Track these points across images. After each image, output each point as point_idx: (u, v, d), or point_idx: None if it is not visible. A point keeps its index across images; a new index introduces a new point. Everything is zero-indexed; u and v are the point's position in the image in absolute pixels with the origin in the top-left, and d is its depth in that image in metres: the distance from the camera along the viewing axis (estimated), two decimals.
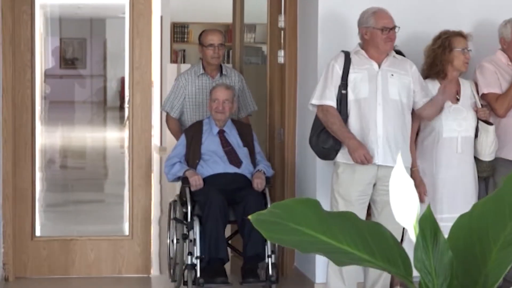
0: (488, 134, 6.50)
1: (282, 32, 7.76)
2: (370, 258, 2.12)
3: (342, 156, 6.42)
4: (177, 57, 17.75)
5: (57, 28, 18.72)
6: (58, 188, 12.42)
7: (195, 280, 6.55)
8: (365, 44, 6.45)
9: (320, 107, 6.41)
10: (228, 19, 17.26)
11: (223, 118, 7.05)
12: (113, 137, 19.77)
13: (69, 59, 24.57)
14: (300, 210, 2.20)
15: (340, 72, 6.39)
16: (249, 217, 2.27)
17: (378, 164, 6.31)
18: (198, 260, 6.53)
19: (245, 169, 7.11)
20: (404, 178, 2.11)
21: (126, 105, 19.79)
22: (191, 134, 7.06)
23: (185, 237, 6.76)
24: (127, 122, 19.71)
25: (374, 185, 6.44)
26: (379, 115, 6.29)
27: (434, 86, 6.57)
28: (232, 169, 7.06)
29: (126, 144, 18.60)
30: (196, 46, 18.28)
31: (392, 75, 6.33)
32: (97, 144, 18.27)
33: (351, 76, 6.38)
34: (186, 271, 6.74)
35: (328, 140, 6.40)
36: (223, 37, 7.36)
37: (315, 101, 6.46)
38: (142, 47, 7.77)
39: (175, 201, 7.24)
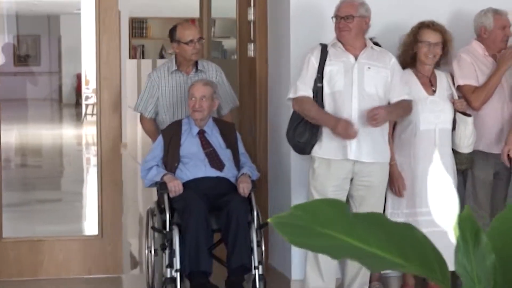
0: (467, 126, 6.40)
1: (252, 25, 7.62)
2: (404, 263, 1.96)
3: (317, 151, 6.32)
4: (136, 52, 17.60)
5: (14, 25, 18.54)
6: (17, 187, 12.17)
7: None
8: (340, 35, 6.31)
9: (295, 99, 6.28)
10: (186, 14, 17.66)
11: (201, 117, 6.48)
12: (70, 134, 19.75)
13: (22, 56, 24.50)
14: (325, 212, 2.03)
15: (316, 65, 6.27)
16: (269, 220, 2.12)
17: (353, 159, 6.20)
18: (178, 273, 6.05)
19: (228, 172, 6.59)
20: (443, 177, 1.96)
21: (83, 101, 20.36)
22: (169, 135, 6.51)
23: (163, 247, 6.27)
24: (87, 118, 19.96)
25: (352, 180, 6.32)
26: (354, 109, 6.17)
27: (408, 75, 6.49)
28: (214, 172, 6.52)
29: (84, 141, 19.05)
30: (155, 41, 19.05)
31: (369, 68, 6.21)
32: (54, 142, 17.97)
33: (327, 69, 6.26)
34: (165, 285, 6.24)
35: (304, 134, 6.28)
36: (200, 29, 7.05)
37: (291, 95, 6.32)
38: (110, 43, 7.56)
39: (152, 208, 6.75)
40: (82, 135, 19.93)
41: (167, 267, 6.17)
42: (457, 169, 6.59)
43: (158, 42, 18.84)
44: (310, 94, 6.22)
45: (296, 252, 7.06)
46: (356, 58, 6.25)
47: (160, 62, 13.73)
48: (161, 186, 6.36)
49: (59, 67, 25.65)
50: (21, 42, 23.67)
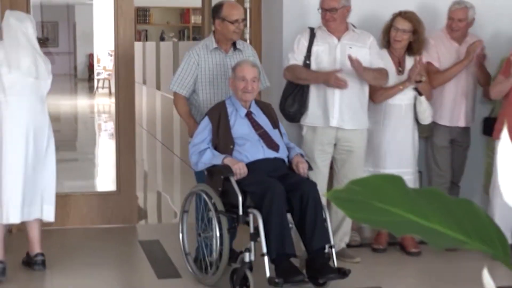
0: (421, 103, 6.19)
1: (248, 11, 7.24)
2: (466, 239, 1.61)
3: (305, 119, 6.07)
4: (140, 36, 17.39)
5: (38, 13, 18.18)
6: None
7: (270, 280, 4.85)
8: (322, 22, 6.06)
9: (287, 68, 6.02)
10: (186, 4, 17.41)
11: (252, 98, 5.58)
12: (84, 104, 19.68)
13: (41, 39, 24.38)
14: (383, 187, 1.66)
15: (306, 44, 6.00)
16: (326, 194, 1.75)
17: (336, 126, 5.94)
18: (266, 257, 4.92)
19: (283, 153, 5.56)
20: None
21: (95, 76, 20.33)
22: (216, 117, 5.37)
23: (233, 230, 5.33)
24: (98, 90, 19.85)
25: (335, 145, 6.04)
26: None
27: (384, 55, 6.23)
28: (271, 153, 5.44)
29: (96, 109, 18.81)
30: (156, 27, 18.72)
31: (351, 47, 5.92)
32: (70, 110, 17.74)
33: (314, 49, 6.00)
34: (243, 269, 5.06)
35: (293, 105, 6.04)
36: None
37: (284, 66, 6.12)
38: (126, 27, 7.15)
39: (197, 192, 5.54)
40: (94, 105, 19.74)
41: (245, 251, 5.08)
42: (420, 137, 6.41)
43: (159, 28, 18.67)
44: (300, 63, 5.97)
45: None
46: (339, 39, 6.00)
47: (162, 44, 13.54)
48: (226, 170, 5.19)
49: (74, 48, 25.61)
50: (43, 28, 23.36)
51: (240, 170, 5.20)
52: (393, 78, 6.09)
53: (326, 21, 5.95)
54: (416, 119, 6.27)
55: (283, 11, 6.66)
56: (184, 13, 18.68)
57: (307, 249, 5.18)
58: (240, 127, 5.50)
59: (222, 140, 5.44)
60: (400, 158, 6.11)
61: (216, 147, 5.42)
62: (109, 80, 18.58)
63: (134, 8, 7.30)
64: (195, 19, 18.27)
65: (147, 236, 6.98)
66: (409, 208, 1.65)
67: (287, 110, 6.06)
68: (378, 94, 6.13)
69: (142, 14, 17.83)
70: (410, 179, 6.09)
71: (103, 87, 20.20)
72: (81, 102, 20.19)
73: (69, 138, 14.23)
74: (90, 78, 22.96)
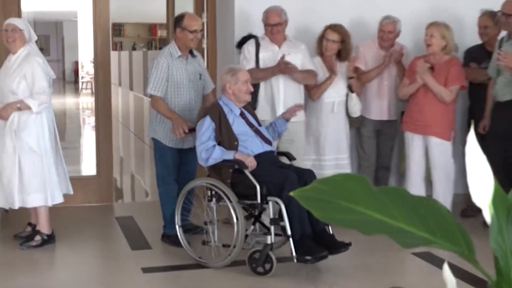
0: (351, 99, 5.92)
1: (205, 24, 6.86)
2: (431, 237, 1.32)
3: (256, 114, 5.60)
4: (116, 46, 17.10)
5: (33, 28, 17.69)
6: None
7: (300, 258, 4.50)
8: (266, 33, 5.79)
9: None
10: (154, 20, 17.18)
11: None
12: (71, 102, 19.81)
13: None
14: (349, 186, 1.36)
15: (254, 52, 5.72)
16: (292, 193, 1.43)
17: None
18: (291, 239, 4.50)
19: (273, 146, 5.21)
20: (478, 156, 1.32)
21: (80, 80, 20.25)
22: (216, 116, 4.86)
23: (252, 216, 4.89)
24: (82, 91, 19.65)
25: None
26: (281, 83, 5.66)
27: (318, 62, 5.92)
28: (268, 147, 5.03)
29: (80, 106, 18.50)
30: (129, 39, 18.50)
31: (289, 54, 5.60)
32: (60, 107, 17.33)
33: (261, 55, 5.73)
34: (265, 251, 4.62)
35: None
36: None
37: None
38: (103, 39, 6.82)
39: (208, 186, 4.91)
40: (79, 103, 19.64)
41: (265, 234, 4.66)
42: (351, 128, 6.14)
43: (131, 40, 18.60)
44: (254, 66, 5.68)
45: None
46: (279, 47, 5.73)
47: (134, 53, 13.33)
48: (241, 164, 4.68)
49: (63, 56, 25.54)
50: (37, 40, 23.07)
51: (251, 163, 4.73)
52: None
53: (272, 34, 5.70)
54: (348, 113, 6.00)
55: (235, 24, 6.36)
56: (152, 28, 18.62)
57: (313, 229, 4.73)
58: (238, 125, 5.01)
59: (226, 137, 4.89)
60: (337, 146, 5.84)
61: (219, 144, 4.87)
62: (91, 83, 18.18)
63: (110, 24, 6.96)
64: (161, 32, 17.97)
65: (123, 213, 6.62)
66: (374, 206, 1.35)
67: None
68: (313, 91, 5.84)
69: (117, 29, 17.65)
70: (346, 163, 5.86)
71: (86, 88, 20.08)
72: (68, 101, 19.82)
73: (59, 130, 13.78)
74: (76, 81, 22.84)
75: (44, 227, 5.42)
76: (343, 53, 5.93)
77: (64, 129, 14.14)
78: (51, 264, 5.29)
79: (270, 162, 4.93)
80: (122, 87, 13.46)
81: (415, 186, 5.58)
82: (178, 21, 5.47)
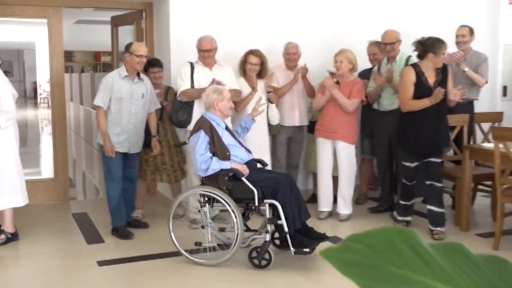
0: (271, 109, 5.43)
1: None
2: None
3: (191, 125, 5.01)
4: (68, 69, 15.96)
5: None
6: None
7: (298, 251, 3.91)
8: (199, 58, 5.18)
9: (182, 93, 5.09)
10: (101, 48, 16.27)
11: None
12: (31, 114, 18.53)
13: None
14: (394, 245, 0.78)
15: (189, 74, 5.11)
16: (319, 253, 0.83)
17: None
18: (288, 236, 3.92)
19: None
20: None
21: (38, 96, 19.14)
22: (208, 130, 4.15)
23: (247, 219, 4.27)
24: (40, 105, 18.61)
25: None
26: None
27: (242, 81, 5.36)
28: (251, 156, 4.37)
29: (39, 117, 17.37)
30: (78, 64, 17.55)
31: (218, 75, 5.06)
32: (22, 118, 16.20)
33: (195, 77, 5.12)
34: (264, 247, 4.01)
35: (184, 115, 5.12)
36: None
37: (179, 92, 5.12)
38: (57, 63, 6.01)
39: (203, 193, 4.12)
40: (38, 114, 18.27)
41: (265, 232, 4.03)
42: (271, 134, 5.60)
43: (80, 64, 17.66)
44: (189, 87, 5.08)
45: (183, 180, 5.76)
46: (211, 70, 5.15)
47: (83, 75, 12.55)
48: (238, 172, 4.05)
49: (24, 77, 24.37)
50: (2, 65, 21.93)
51: (245, 171, 4.09)
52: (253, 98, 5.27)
53: (205, 58, 5.12)
54: (268, 122, 5.48)
55: (170, 52, 5.71)
56: (96, 55, 17.68)
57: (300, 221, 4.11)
58: (226, 138, 4.29)
59: (219, 148, 4.17)
60: (260, 149, 5.26)
61: (213, 154, 4.14)
62: (48, 98, 17.34)
63: (63, 51, 6.14)
64: (104, 58, 17.06)
65: (78, 210, 5.79)
66: (433, 272, 0.77)
67: (179, 119, 5.11)
68: (237, 105, 5.23)
69: (68, 55, 16.61)
70: (268, 164, 5.25)
71: (43, 103, 18.96)
72: (29, 113, 18.52)
73: (21, 137, 12.68)
74: (35, 97, 21.54)
75: (8, 226, 4.73)
76: (262, 73, 5.43)
77: (26, 136, 13.08)
78: (15, 260, 4.42)
79: (255, 169, 4.31)
80: (73, 102, 12.72)
81: (325, 181, 5.21)
82: (127, 47, 4.86)
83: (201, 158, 4.08)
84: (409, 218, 5.00)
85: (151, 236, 4.87)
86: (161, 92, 5.25)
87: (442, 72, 4.65)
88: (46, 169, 8.18)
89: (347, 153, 5.22)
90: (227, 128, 4.39)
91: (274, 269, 4.01)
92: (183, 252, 4.21)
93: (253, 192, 4.00)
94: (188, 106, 5.10)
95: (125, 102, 4.78)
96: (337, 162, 5.28)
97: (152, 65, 5.29)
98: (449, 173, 5.26)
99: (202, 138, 4.13)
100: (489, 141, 5.65)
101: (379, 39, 5.57)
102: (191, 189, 4.33)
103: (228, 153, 4.17)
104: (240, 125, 4.65)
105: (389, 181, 5.60)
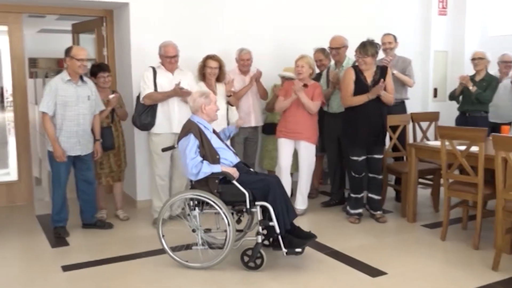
0: (232, 111, 4.97)
1: (106, 58, 5.54)
2: None
3: (155, 128, 4.59)
4: (32, 75, 14.89)
5: None
6: None
7: (290, 251, 3.45)
8: (162, 63, 4.61)
9: (145, 96, 4.51)
10: (58, 55, 15.21)
11: None
12: None
13: None
14: None
15: (152, 78, 4.54)
16: None
17: (176, 132, 4.46)
18: (280, 237, 3.46)
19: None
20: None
21: (5, 100, 17.88)
22: (198, 134, 3.56)
23: (239, 221, 3.67)
24: (7, 108, 17.51)
25: (174, 145, 4.49)
26: (175, 103, 4.56)
27: (203, 86, 4.78)
28: (237, 159, 3.80)
29: (6, 120, 16.26)
30: (42, 69, 16.50)
31: (180, 79, 4.52)
32: None
33: (158, 81, 4.56)
34: (256, 249, 3.51)
35: (147, 118, 4.56)
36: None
37: (142, 96, 4.55)
38: (19, 70, 5.36)
39: (192, 198, 3.56)
40: (5, 117, 16.89)
41: (257, 234, 3.49)
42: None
43: (44, 70, 16.47)
44: (153, 90, 4.51)
45: (140, 179, 5.24)
46: (173, 74, 4.61)
47: (46, 80, 11.65)
48: (228, 176, 3.48)
49: None
50: None
51: (236, 173, 3.53)
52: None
53: (171, 64, 4.58)
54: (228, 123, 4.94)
55: (131, 57, 5.10)
56: (59, 61, 16.64)
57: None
58: (215, 141, 3.69)
59: (208, 152, 3.56)
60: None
61: (203, 157, 3.55)
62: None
63: (24, 58, 5.49)
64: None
65: (43, 211, 5.09)
66: None
67: (142, 122, 4.55)
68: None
69: (33, 62, 15.44)
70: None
71: (10, 106, 17.42)
72: None
73: None
74: (1, 101, 20.09)
75: None
76: (220, 77, 4.92)
77: None
78: None
79: (244, 171, 3.72)
80: (38, 105, 11.62)
81: (285, 178, 4.69)
82: (67, 52, 4.28)
83: (192, 162, 3.50)
84: (360, 211, 4.70)
85: (118, 237, 4.31)
86: (117, 95, 4.67)
87: (381, 72, 4.54)
88: (14, 170, 7.45)
89: (309, 152, 4.83)
90: (214, 131, 3.83)
91: (266, 270, 3.53)
92: (175, 257, 3.63)
93: (244, 194, 3.48)
94: (151, 109, 4.55)
95: (71, 105, 4.22)
96: (298, 161, 4.87)
97: (102, 69, 4.69)
98: (395, 168, 4.97)
99: (192, 142, 3.54)
100: (427, 139, 5.41)
101: (325, 46, 5.26)
102: (181, 193, 3.72)
103: (218, 156, 3.60)
104: (223, 133, 4.10)
105: (339, 177, 5.27)
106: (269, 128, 5.37)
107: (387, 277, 3.39)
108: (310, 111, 4.73)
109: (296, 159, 4.98)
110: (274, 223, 3.46)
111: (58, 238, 4.25)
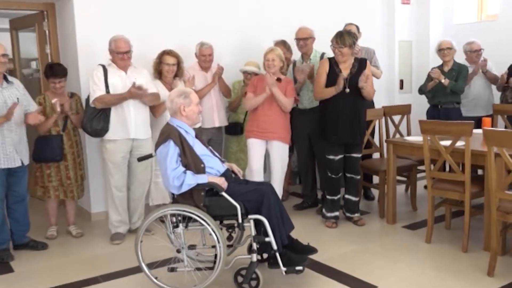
0: None
1: (49, 56, 4.96)
2: None
3: (109, 135, 4.08)
4: None
5: None
6: None
7: (290, 270, 3.01)
8: (113, 60, 4.10)
9: (96, 99, 3.99)
10: None
11: None
12: None
13: None
14: None
15: (102, 78, 4.03)
16: None
17: (133, 138, 4.12)
18: (278, 254, 3.00)
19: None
20: None
21: None
22: (178, 141, 3.02)
23: (230, 238, 3.24)
24: None
25: (131, 151, 4.16)
26: (131, 106, 4.07)
27: (158, 84, 4.41)
28: (225, 166, 3.27)
29: None
30: None
31: (135, 78, 4.07)
32: None
33: (110, 81, 4.05)
34: (251, 269, 3.05)
35: (100, 123, 4.04)
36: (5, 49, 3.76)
37: (93, 98, 4.01)
38: None
39: (185, 212, 2.99)
40: None
41: (252, 252, 3.05)
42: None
43: None
44: (104, 93, 4.00)
45: (94, 190, 4.74)
46: (126, 73, 4.12)
47: None
48: (216, 187, 2.97)
49: None
50: None
51: (224, 184, 3.02)
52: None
53: (124, 60, 4.07)
54: None
55: (78, 53, 4.56)
56: None
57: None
58: (198, 147, 3.13)
59: (191, 160, 3.02)
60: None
61: (185, 167, 3.01)
62: None
63: None
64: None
65: None
66: None
67: (94, 128, 4.01)
68: (155, 110, 4.33)
69: None
70: None
71: None
72: None
73: None
74: None
75: None
76: (178, 73, 4.50)
77: None
78: None
79: (232, 180, 3.21)
80: None
81: (257, 179, 4.28)
82: None
83: (173, 174, 2.95)
84: (337, 213, 4.38)
85: (72, 259, 3.79)
86: (69, 103, 4.10)
87: (360, 65, 4.20)
88: None
89: (282, 152, 4.42)
90: (197, 136, 3.31)
91: None
92: (160, 284, 3.12)
93: (235, 207, 2.99)
94: (103, 113, 4.03)
95: (1, 111, 3.64)
96: (270, 162, 4.45)
97: (53, 74, 4.09)
98: (370, 166, 4.68)
99: (172, 150, 2.98)
100: (401, 134, 5.15)
101: (286, 39, 4.92)
102: (162, 208, 3.08)
103: (202, 165, 3.06)
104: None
105: (311, 178, 4.94)
106: (233, 129, 4.97)
107: None
108: (284, 109, 4.33)
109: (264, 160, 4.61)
110: (271, 238, 3.00)
111: (1, 263, 3.71)
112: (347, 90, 4.10)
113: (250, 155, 4.40)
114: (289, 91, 4.35)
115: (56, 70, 4.12)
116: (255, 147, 4.38)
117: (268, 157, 4.46)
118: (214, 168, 3.14)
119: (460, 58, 5.24)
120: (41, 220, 4.50)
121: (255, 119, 4.36)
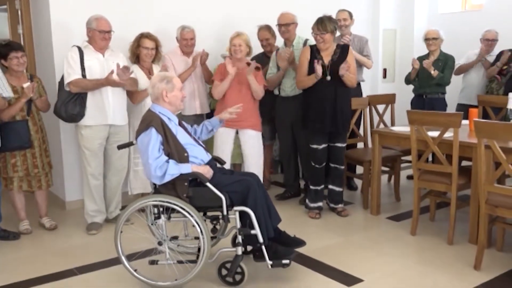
0: None
1: (22, 36, 4.74)
2: None
3: (85, 120, 3.89)
4: None
5: None
6: None
7: (276, 263, 2.91)
8: (90, 41, 3.91)
9: (71, 83, 3.79)
10: None
11: None
12: None
13: None
14: None
15: (78, 60, 3.83)
16: None
17: (110, 123, 3.96)
18: (263, 247, 2.90)
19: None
20: None
21: None
22: (160, 128, 2.85)
23: (214, 230, 3.08)
24: None
25: (108, 138, 4.01)
26: (109, 91, 3.90)
27: (136, 68, 4.24)
28: (209, 155, 3.08)
29: None
30: None
31: (113, 62, 3.90)
32: None
33: (86, 64, 3.86)
34: (236, 263, 2.93)
35: (75, 108, 3.84)
36: None
37: (67, 81, 3.80)
38: None
39: (156, 204, 2.89)
40: None
41: (237, 245, 2.94)
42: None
43: None
44: (80, 76, 3.82)
45: (68, 177, 4.55)
46: (103, 56, 3.95)
47: None
48: (201, 177, 2.81)
49: None
50: None
51: (210, 173, 2.89)
52: (146, 83, 4.09)
53: (105, 40, 3.89)
54: None
55: (52, 34, 4.33)
56: None
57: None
58: (181, 135, 2.95)
59: (174, 149, 2.85)
60: None
61: (168, 156, 2.85)
62: None
63: None
64: None
65: None
66: None
67: (69, 112, 3.82)
68: (134, 97, 4.17)
69: None
70: None
71: None
72: None
73: None
74: None
75: None
76: (156, 58, 4.34)
77: None
78: None
79: (217, 170, 3.05)
80: None
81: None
82: None
83: (155, 163, 2.78)
84: (320, 204, 4.30)
85: (46, 250, 3.62)
86: (33, 85, 3.77)
87: (342, 51, 4.08)
88: None
89: (256, 141, 4.31)
90: (180, 123, 3.13)
91: (247, 284, 3.00)
92: (140, 277, 2.97)
93: (220, 199, 2.85)
94: (79, 97, 3.85)
95: None
96: (245, 152, 4.33)
97: (13, 49, 3.78)
98: (355, 156, 4.61)
99: (154, 138, 2.82)
100: (385, 124, 5.10)
101: (269, 24, 4.80)
102: (143, 199, 2.93)
103: (186, 154, 2.89)
104: (206, 127, 3.39)
105: (293, 167, 4.84)
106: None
107: (364, 285, 3.01)
108: (257, 97, 4.24)
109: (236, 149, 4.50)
110: (256, 231, 2.88)
111: None
112: (328, 77, 4.00)
113: (219, 145, 4.27)
114: (259, 79, 4.25)
115: (14, 44, 3.86)
116: (225, 136, 4.27)
117: (242, 147, 4.34)
118: (198, 158, 2.99)
119: (447, 48, 5.20)
120: (13, 211, 4.30)
121: (224, 107, 4.10)
